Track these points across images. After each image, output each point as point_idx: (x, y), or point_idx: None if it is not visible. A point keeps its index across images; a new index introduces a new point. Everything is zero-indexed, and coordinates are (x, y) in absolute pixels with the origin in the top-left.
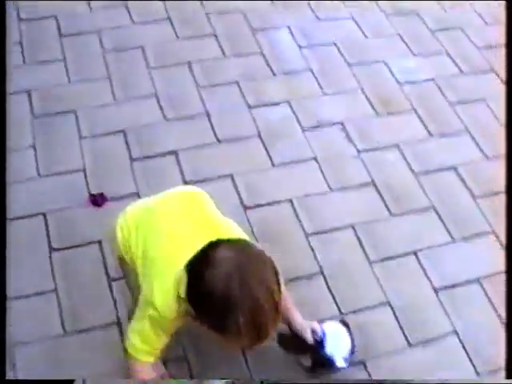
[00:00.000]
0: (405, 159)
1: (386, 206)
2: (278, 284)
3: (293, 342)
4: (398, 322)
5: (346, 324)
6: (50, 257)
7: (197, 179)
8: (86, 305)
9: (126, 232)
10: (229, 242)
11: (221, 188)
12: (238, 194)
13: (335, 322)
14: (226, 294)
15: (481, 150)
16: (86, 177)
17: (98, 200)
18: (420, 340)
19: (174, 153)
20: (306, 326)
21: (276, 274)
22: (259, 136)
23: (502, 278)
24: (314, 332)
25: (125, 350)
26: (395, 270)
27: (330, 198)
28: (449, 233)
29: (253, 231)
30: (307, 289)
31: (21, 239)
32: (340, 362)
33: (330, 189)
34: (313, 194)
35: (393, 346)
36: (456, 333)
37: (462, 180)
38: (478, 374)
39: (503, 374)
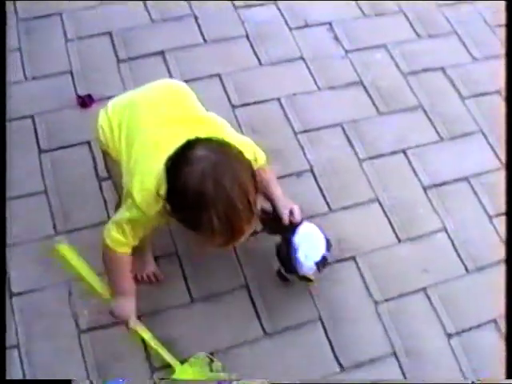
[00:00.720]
0: (392, 59)
1: (374, 104)
2: (255, 185)
3: (272, 220)
4: (388, 219)
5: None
6: (40, 158)
7: (184, 79)
8: (76, 205)
9: (107, 130)
10: (207, 140)
11: (208, 87)
12: (226, 93)
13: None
14: (199, 191)
15: (468, 52)
16: (73, 79)
17: (85, 101)
18: (409, 237)
19: (161, 53)
20: (285, 205)
21: (253, 175)
22: (246, 36)
23: (490, 176)
24: (291, 213)
25: (102, 241)
26: (384, 167)
27: (318, 97)
28: (437, 132)
29: (241, 129)
30: (296, 186)
31: (10, 142)
32: (306, 264)
33: (318, 88)
34: (300, 93)
35: (382, 243)
36: (445, 230)
37: (451, 81)
38: (467, 270)
39: (492, 270)
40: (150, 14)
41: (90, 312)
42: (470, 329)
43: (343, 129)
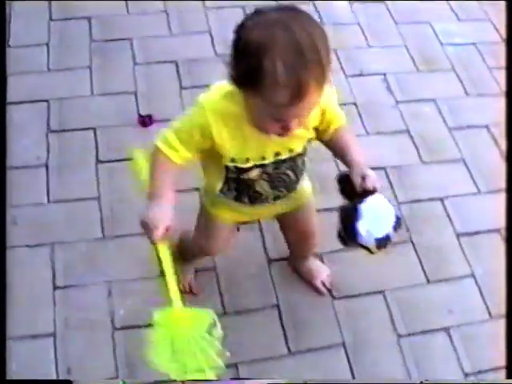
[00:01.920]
0: (440, 113)
1: (418, 153)
2: (327, 48)
3: (347, 184)
4: (419, 259)
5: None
6: (97, 170)
7: None
8: (126, 214)
9: None
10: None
11: None
12: None
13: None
14: (266, 34)
15: None
16: (136, 99)
17: (146, 121)
18: (438, 278)
19: None
20: (362, 171)
21: (326, 39)
22: None
23: None
24: (364, 179)
25: (153, 145)
26: (421, 212)
27: (366, 141)
28: (475, 184)
29: None
30: None
31: (72, 150)
32: (365, 237)
33: (367, 132)
34: None
35: (412, 281)
36: (473, 276)
37: (493, 137)
38: (490, 315)
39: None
40: (214, 48)
41: (126, 311)
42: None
43: (386, 172)
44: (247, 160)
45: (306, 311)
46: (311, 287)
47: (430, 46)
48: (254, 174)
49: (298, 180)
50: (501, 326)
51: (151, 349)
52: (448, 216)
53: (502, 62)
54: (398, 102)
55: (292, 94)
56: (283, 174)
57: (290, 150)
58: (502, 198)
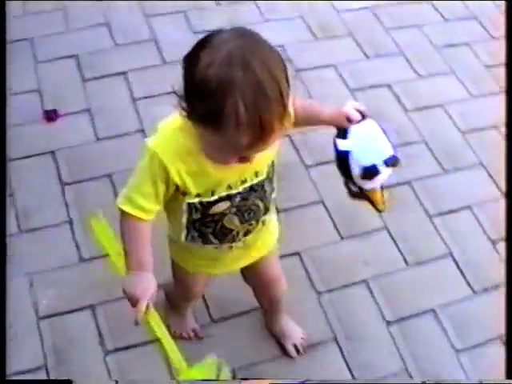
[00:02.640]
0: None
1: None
2: (286, 78)
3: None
4: (331, 218)
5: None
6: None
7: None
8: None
9: None
10: (232, 28)
11: None
12: None
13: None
14: (225, 75)
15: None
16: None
17: (51, 116)
18: (352, 234)
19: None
20: (342, 116)
21: (284, 67)
22: None
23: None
24: (349, 119)
25: (118, 209)
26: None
27: None
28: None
29: None
30: None
31: None
32: (355, 171)
33: None
34: None
35: (326, 240)
36: (386, 228)
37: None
38: (406, 262)
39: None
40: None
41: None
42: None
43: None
44: (213, 193)
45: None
46: (283, 349)
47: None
48: (222, 208)
49: (267, 210)
50: (418, 271)
51: None
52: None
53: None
54: (298, 70)
55: (254, 135)
56: (253, 205)
57: (256, 174)
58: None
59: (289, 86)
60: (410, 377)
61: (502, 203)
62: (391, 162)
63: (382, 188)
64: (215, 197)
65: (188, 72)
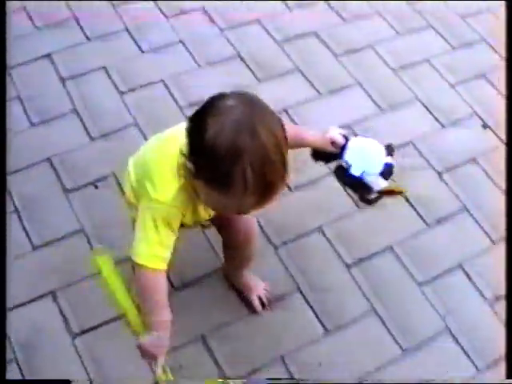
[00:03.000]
0: (267, 31)
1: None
2: (285, 140)
3: (321, 155)
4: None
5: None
6: None
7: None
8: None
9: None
10: (236, 92)
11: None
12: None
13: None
14: (234, 141)
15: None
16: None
17: None
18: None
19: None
20: (326, 140)
21: (283, 129)
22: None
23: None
24: (333, 143)
25: (133, 268)
26: None
27: (199, 74)
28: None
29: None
30: None
31: None
32: (369, 179)
33: (198, 65)
34: (183, 73)
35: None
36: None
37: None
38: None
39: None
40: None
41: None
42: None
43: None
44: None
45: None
46: (246, 302)
47: None
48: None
49: None
50: (370, 213)
51: None
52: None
53: None
54: (222, 29)
55: (260, 197)
56: None
57: None
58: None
59: (287, 146)
60: (379, 316)
61: (442, 134)
62: (392, 152)
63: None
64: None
65: (196, 137)
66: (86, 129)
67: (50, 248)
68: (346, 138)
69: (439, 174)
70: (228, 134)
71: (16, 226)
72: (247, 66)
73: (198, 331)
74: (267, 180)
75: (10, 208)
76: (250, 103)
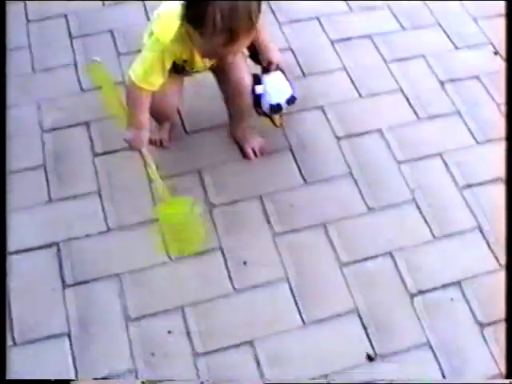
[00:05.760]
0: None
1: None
2: (259, 8)
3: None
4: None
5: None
6: None
7: None
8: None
9: None
10: None
11: None
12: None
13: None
14: None
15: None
16: None
17: None
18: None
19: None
20: (270, 55)
21: (260, 7)
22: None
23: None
24: (269, 64)
25: (128, 79)
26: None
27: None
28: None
29: None
30: None
31: None
32: (262, 100)
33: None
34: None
35: (420, 239)
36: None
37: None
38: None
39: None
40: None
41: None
42: None
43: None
44: (192, 68)
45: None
46: (242, 152)
47: None
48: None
49: None
50: (316, 191)
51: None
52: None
53: None
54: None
55: (226, 38)
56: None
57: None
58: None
59: (258, 13)
60: (354, 180)
61: None
62: (292, 101)
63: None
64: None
65: None
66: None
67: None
68: (278, 68)
69: None
70: None
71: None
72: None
73: (196, 166)
74: (232, 24)
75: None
76: None
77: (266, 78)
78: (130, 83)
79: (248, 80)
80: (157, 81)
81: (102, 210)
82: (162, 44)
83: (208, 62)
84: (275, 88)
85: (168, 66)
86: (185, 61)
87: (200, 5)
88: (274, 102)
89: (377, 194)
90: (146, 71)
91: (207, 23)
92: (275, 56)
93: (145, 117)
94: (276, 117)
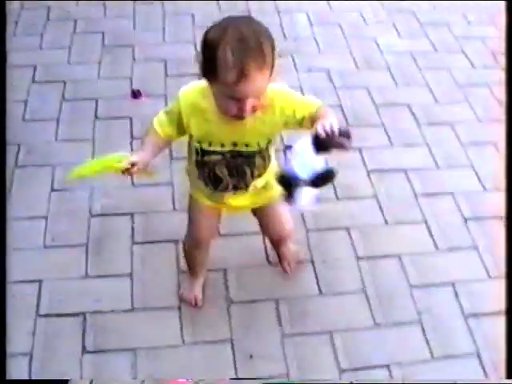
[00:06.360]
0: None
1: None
2: (272, 45)
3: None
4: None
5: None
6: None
7: None
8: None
9: None
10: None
11: None
12: None
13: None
14: (218, 34)
15: None
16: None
17: (135, 94)
18: None
19: None
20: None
21: (271, 37)
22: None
23: None
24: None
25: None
26: None
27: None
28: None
29: None
30: None
31: None
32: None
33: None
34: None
35: (419, 357)
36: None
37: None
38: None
39: None
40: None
41: None
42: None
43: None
44: (210, 144)
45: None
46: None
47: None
48: (214, 157)
49: (252, 178)
50: (329, 301)
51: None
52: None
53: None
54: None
55: (238, 73)
56: (240, 166)
57: (246, 145)
58: None
59: (271, 48)
60: (367, 296)
61: None
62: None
63: None
64: (211, 148)
65: (201, 40)
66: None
67: None
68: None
69: None
70: (216, 29)
71: None
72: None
73: (222, 265)
74: (242, 60)
75: None
76: (248, 17)
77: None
78: (150, 125)
79: (290, 227)
80: (166, 127)
81: (130, 290)
82: (182, 96)
83: (226, 137)
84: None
85: (178, 120)
86: (199, 141)
87: (211, 47)
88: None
89: (385, 311)
90: (161, 115)
91: (219, 60)
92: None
93: (148, 146)
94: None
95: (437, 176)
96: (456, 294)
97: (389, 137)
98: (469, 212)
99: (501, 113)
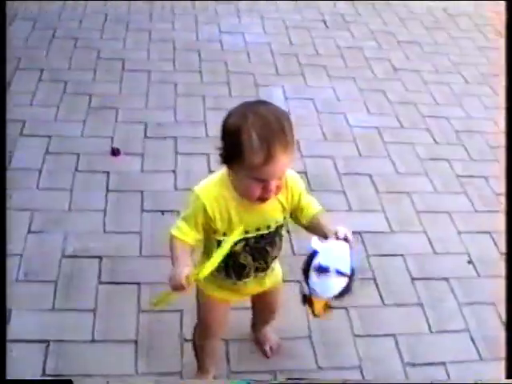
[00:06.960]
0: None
1: None
2: (290, 127)
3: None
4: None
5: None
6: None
7: None
8: None
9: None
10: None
11: None
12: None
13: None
14: (240, 120)
15: None
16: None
17: (115, 152)
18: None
19: None
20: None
21: (289, 120)
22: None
23: None
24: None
25: (169, 234)
26: None
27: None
28: None
29: None
30: None
31: None
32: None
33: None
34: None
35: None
36: None
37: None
38: None
39: None
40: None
41: None
42: None
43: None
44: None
45: None
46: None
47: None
48: (239, 246)
49: (275, 256)
50: (326, 375)
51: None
52: None
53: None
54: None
55: (265, 155)
56: (262, 249)
57: (268, 227)
58: None
59: (291, 129)
60: (361, 372)
61: None
62: (352, 277)
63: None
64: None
65: (221, 127)
66: None
67: None
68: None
69: None
70: (237, 116)
71: None
72: None
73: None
74: (269, 141)
75: None
76: (265, 102)
77: (329, 242)
78: (170, 236)
79: (279, 304)
80: (191, 233)
81: (92, 323)
82: (202, 194)
83: (250, 224)
84: (334, 255)
85: (200, 219)
86: (224, 234)
87: (233, 134)
88: (324, 263)
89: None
90: (180, 225)
91: (245, 145)
92: (342, 228)
93: (182, 256)
94: (319, 305)
95: (390, 238)
96: (448, 374)
97: (348, 202)
98: (463, 297)
99: (459, 185)
